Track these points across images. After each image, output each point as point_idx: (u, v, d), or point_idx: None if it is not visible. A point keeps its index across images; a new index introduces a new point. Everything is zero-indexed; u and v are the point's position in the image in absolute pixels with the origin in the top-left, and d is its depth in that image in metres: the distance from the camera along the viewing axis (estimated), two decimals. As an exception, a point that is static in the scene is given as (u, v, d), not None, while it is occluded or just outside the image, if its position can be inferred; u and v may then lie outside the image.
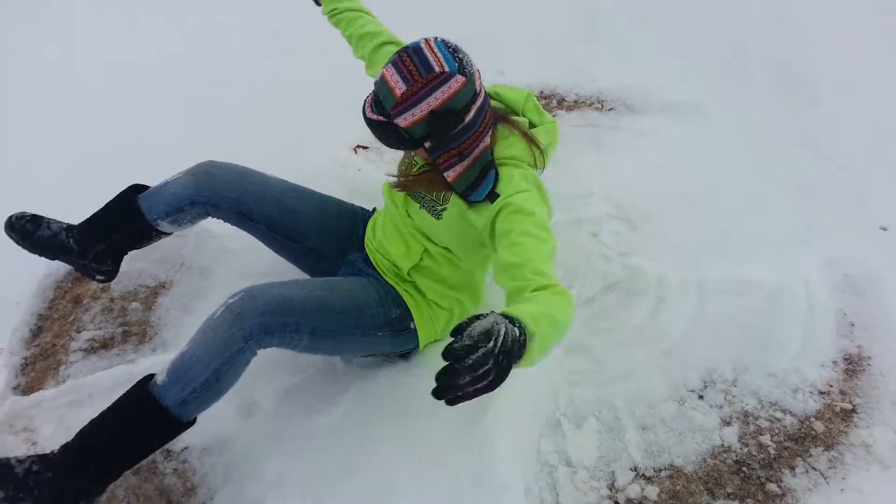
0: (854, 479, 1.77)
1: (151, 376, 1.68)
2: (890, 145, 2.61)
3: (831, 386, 1.97)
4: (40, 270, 2.50)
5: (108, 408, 1.65)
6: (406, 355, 2.07)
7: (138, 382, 1.68)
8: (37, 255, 2.09)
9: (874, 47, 3.05)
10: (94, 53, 3.48)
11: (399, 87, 1.52)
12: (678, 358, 2.06)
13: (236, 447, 1.91)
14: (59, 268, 2.50)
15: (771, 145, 2.68)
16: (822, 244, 2.31)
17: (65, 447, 1.63)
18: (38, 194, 2.59)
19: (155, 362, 2.14)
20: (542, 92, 3.16)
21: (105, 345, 2.29)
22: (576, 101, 3.10)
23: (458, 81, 1.52)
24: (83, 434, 1.63)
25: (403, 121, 1.55)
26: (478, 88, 1.58)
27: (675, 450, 1.87)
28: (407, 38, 1.86)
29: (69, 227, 2.09)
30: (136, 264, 2.52)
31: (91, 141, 2.92)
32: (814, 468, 1.80)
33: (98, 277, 2.19)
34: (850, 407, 1.92)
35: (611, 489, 1.81)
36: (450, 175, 1.64)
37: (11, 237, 2.04)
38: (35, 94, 3.29)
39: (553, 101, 3.11)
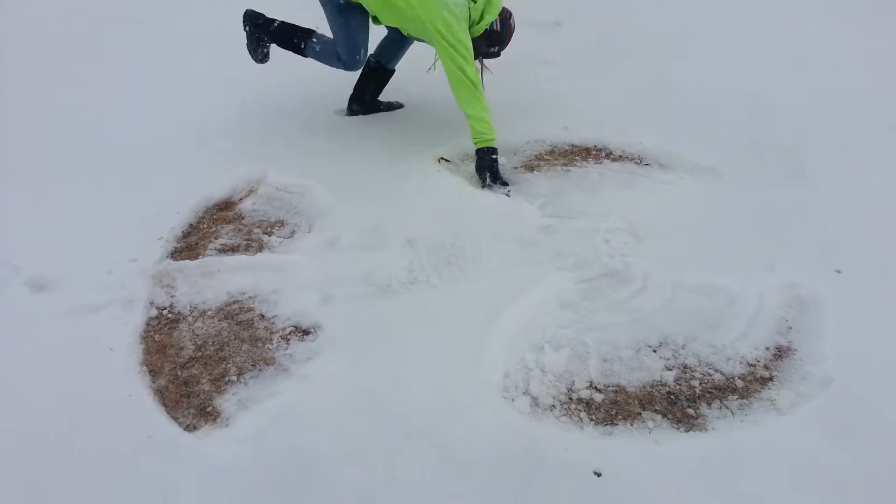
0: (754, 416, 2.31)
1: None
2: (860, 220, 3.18)
3: (758, 361, 2.53)
4: (196, 194, 3.42)
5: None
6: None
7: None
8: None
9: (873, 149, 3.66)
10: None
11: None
12: (644, 325, 2.68)
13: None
14: (211, 195, 3.43)
15: (764, 202, 3.30)
16: (785, 273, 2.88)
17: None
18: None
19: (268, 258, 2.98)
20: (595, 146, 3.93)
21: (233, 249, 3.16)
22: (621, 156, 3.85)
23: None
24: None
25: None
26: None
27: (623, 377, 2.48)
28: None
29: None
30: (264, 207, 3.41)
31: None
32: (726, 407, 2.36)
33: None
34: (768, 376, 2.47)
35: (568, 390, 2.43)
36: None
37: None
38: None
39: (602, 153, 3.87)
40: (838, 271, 2.90)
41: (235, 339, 2.67)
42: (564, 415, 2.34)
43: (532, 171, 3.72)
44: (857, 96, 4.20)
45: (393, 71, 4.17)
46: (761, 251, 3.02)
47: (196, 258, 3.06)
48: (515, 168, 3.76)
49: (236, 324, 2.74)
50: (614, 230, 3.20)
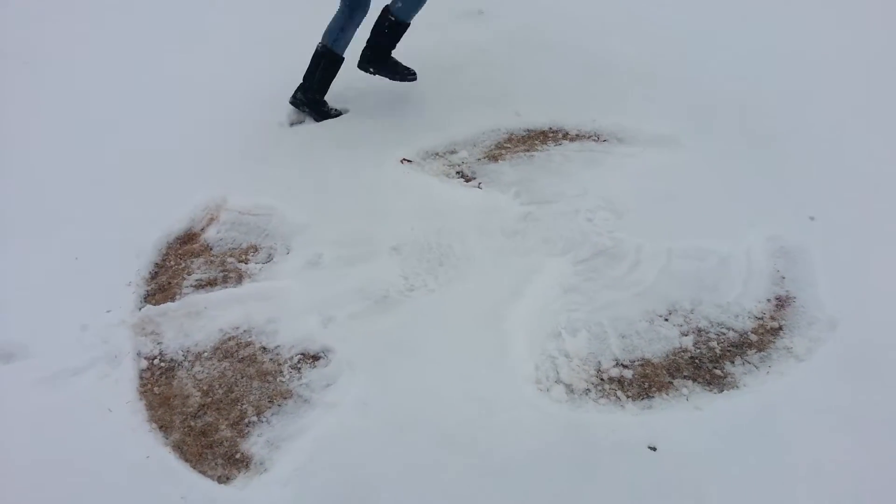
0: (776, 367, 2.39)
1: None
2: (824, 164, 3.35)
3: (764, 313, 2.62)
4: (155, 233, 3.20)
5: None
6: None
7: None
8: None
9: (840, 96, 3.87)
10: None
11: None
12: (649, 297, 2.72)
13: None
14: (171, 229, 3.22)
15: (727, 163, 3.42)
16: (764, 227, 3.00)
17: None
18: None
19: (254, 287, 2.82)
20: (550, 128, 3.96)
21: (210, 283, 2.97)
22: (577, 135, 3.89)
23: None
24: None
25: None
26: None
27: (645, 349, 2.51)
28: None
29: None
30: (230, 233, 3.24)
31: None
32: (748, 362, 2.43)
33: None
34: (777, 326, 2.56)
35: (598, 371, 2.44)
36: None
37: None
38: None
39: (560, 135, 3.90)
40: (812, 218, 3.04)
41: (242, 377, 2.52)
42: (602, 396, 2.34)
43: (496, 160, 3.70)
44: (803, 47, 4.43)
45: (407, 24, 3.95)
46: (737, 210, 3.12)
47: (173, 298, 2.87)
48: (479, 160, 3.73)
49: (238, 361, 2.59)
50: (594, 209, 3.23)
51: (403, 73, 4.08)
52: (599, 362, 2.47)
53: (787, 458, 2.05)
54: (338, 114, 4.18)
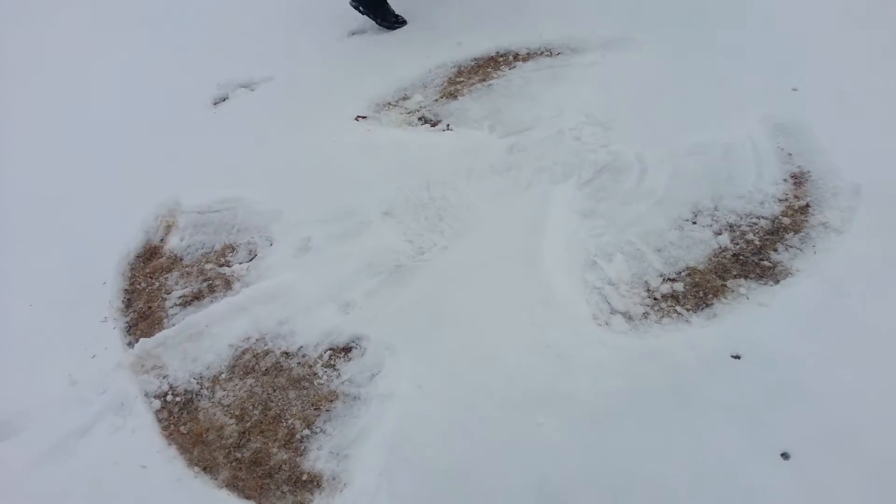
0: (821, 244, 2.34)
1: None
2: (788, 38, 3.29)
3: (787, 194, 2.56)
4: (112, 255, 2.82)
5: None
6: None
7: None
8: None
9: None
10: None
11: None
12: (669, 203, 2.61)
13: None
14: (128, 249, 2.84)
15: (692, 54, 3.31)
16: (753, 108, 2.92)
17: None
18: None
19: (254, 291, 2.52)
20: (498, 52, 3.73)
21: (197, 296, 2.65)
22: (528, 54, 3.68)
23: None
24: None
25: None
26: None
27: (686, 258, 2.40)
28: None
29: None
30: (197, 237, 2.89)
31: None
32: (791, 246, 2.37)
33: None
34: (804, 203, 2.51)
35: (648, 291, 2.32)
36: None
37: None
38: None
39: (510, 57, 3.68)
40: (795, 89, 2.99)
41: (275, 390, 2.26)
42: (663, 316, 2.24)
43: (455, 97, 3.46)
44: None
45: None
46: (721, 97, 3.03)
47: (162, 324, 2.54)
48: (436, 101, 3.47)
49: (263, 374, 2.32)
50: (578, 126, 3.06)
51: (391, 21, 4.03)
52: (647, 282, 2.35)
53: (867, 334, 2.01)
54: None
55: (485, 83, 3.51)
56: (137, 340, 2.49)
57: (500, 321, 2.24)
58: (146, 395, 2.30)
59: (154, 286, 2.73)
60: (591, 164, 2.84)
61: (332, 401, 2.19)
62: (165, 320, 2.57)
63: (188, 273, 2.76)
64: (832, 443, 1.77)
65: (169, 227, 2.98)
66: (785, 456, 1.78)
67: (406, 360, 2.20)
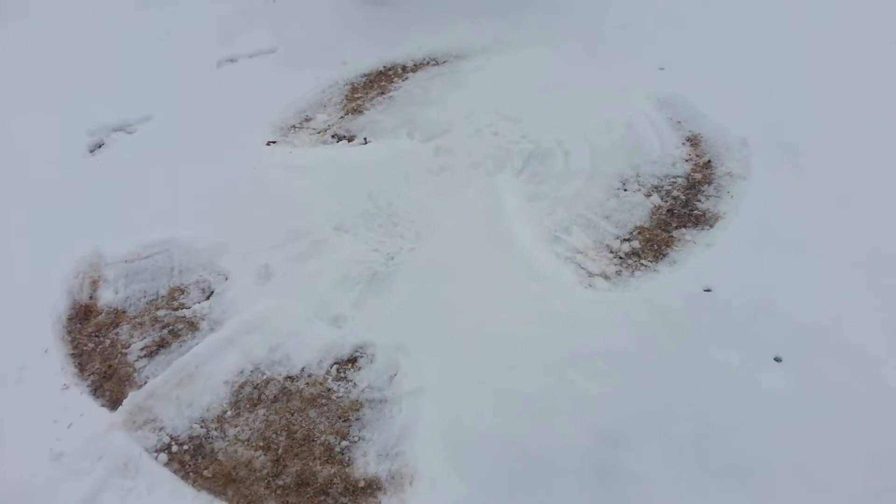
0: (734, 189, 2.76)
1: None
2: (642, 26, 3.80)
3: (689, 154, 2.98)
4: (43, 317, 2.56)
5: None
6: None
7: None
8: None
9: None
10: None
11: None
12: (598, 177, 2.92)
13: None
14: (59, 314, 2.59)
15: (566, 46, 3.71)
16: (634, 87, 3.35)
17: None
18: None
19: (237, 324, 2.42)
20: (385, 66, 3.87)
21: (161, 345, 2.48)
22: (416, 65, 3.87)
23: None
24: None
25: None
26: None
27: (632, 219, 2.71)
28: None
29: None
30: (133, 286, 2.71)
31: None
32: (710, 195, 2.77)
33: None
34: (707, 160, 2.94)
35: (612, 253, 2.59)
36: None
37: None
38: None
39: (399, 69, 3.84)
40: (662, 69, 3.47)
41: (292, 413, 2.20)
42: (634, 270, 2.51)
43: (361, 112, 3.54)
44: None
45: None
46: (603, 82, 3.43)
47: (131, 380, 2.36)
48: (342, 117, 3.53)
49: (273, 402, 2.25)
50: (492, 123, 3.29)
51: None
52: (608, 245, 2.62)
53: (798, 248, 2.42)
54: None
55: (384, 96, 3.63)
56: (110, 402, 2.29)
57: (499, 302, 2.38)
58: (146, 451, 2.13)
59: (105, 344, 2.51)
60: (518, 153, 3.07)
61: (357, 409, 2.18)
62: (135, 375, 2.38)
63: (140, 324, 2.57)
64: (812, 339, 2.13)
65: (95, 283, 2.74)
66: (777, 360, 2.11)
67: (423, 355, 2.26)
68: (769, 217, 2.56)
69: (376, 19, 4.23)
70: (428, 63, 3.85)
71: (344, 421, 2.16)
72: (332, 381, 2.28)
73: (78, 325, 2.60)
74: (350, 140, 3.34)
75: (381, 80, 3.76)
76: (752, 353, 2.13)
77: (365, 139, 3.32)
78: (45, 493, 1.99)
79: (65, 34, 4.49)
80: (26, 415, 2.22)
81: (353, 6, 4.44)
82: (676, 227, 2.65)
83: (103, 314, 2.63)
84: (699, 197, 2.77)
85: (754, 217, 2.58)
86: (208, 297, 2.64)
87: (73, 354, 2.49)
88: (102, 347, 2.50)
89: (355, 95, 3.68)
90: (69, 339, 2.54)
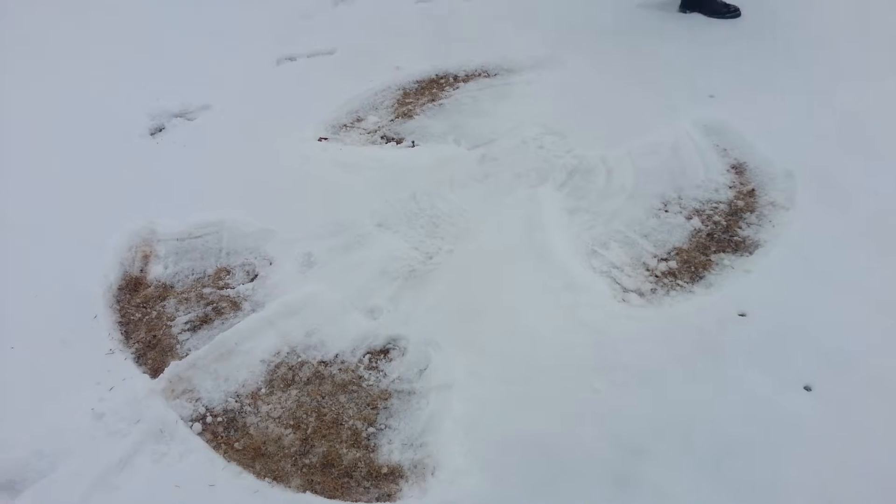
0: (776, 219, 2.77)
1: None
2: (709, 53, 3.84)
3: (734, 182, 2.99)
4: (97, 289, 2.67)
5: None
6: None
7: None
8: None
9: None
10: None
11: None
12: (639, 196, 2.95)
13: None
14: (110, 283, 2.70)
15: (612, 68, 3.76)
16: (683, 112, 3.38)
17: None
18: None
19: (279, 306, 2.51)
20: (437, 74, 3.96)
21: (205, 321, 2.58)
22: (467, 76, 3.95)
23: None
24: None
25: None
26: None
27: (671, 240, 2.74)
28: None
29: None
30: (182, 264, 2.82)
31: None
32: (751, 223, 2.78)
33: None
34: (751, 188, 2.95)
35: (648, 271, 2.61)
36: None
37: None
38: None
39: (451, 79, 3.93)
40: (712, 96, 3.49)
41: (323, 397, 2.27)
42: (669, 290, 2.53)
43: (411, 117, 3.63)
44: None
45: None
46: (652, 104, 3.47)
47: (173, 351, 2.46)
48: (392, 120, 3.63)
49: (306, 384, 2.32)
50: (538, 136, 3.35)
51: (723, 11, 4.20)
52: (644, 263, 2.65)
53: (834, 282, 2.42)
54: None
55: (435, 103, 3.72)
56: (151, 370, 2.39)
57: (532, 307, 2.43)
58: (182, 419, 2.21)
59: (151, 315, 2.62)
60: (562, 168, 3.12)
61: (386, 399, 2.24)
62: (177, 346, 2.48)
63: (186, 300, 2.67)
64: (843, 370, 2.13)
65: (147, 257, 2.86)
66: (807, 388, 2.11)
67: (453, 351, 2.31)
68: (809, 249, 2.57)
69: (431, 28, 4.34)
70: (479, 74, 3.94)
71: (372, 408, 2.22)
72: (364, 369, 2.35)
73: (127, 296, 2.71)
74: (399, 142, 3.43)
75: (432, 88, 3.85)
76: (781, 378, 2.14)
77: (413, 142, 3.41)
78: (84, 449, 2.09)
79: (132, 25, 4.68)
80: (72, 374, 2.33)
81: (411, 15, 4.55)
82: (715, 252, 2.67)
83: (152, 287, 2.74)
84: (740, 224, 2.78)
85: (795, 248, 2.59)
86: (252, 280, 2.73)
87: (120, 322, 2.60)
88: (149, 318, 2.60)
89: (406, 100, 3.77)
90: (118, 307, 2.65)
